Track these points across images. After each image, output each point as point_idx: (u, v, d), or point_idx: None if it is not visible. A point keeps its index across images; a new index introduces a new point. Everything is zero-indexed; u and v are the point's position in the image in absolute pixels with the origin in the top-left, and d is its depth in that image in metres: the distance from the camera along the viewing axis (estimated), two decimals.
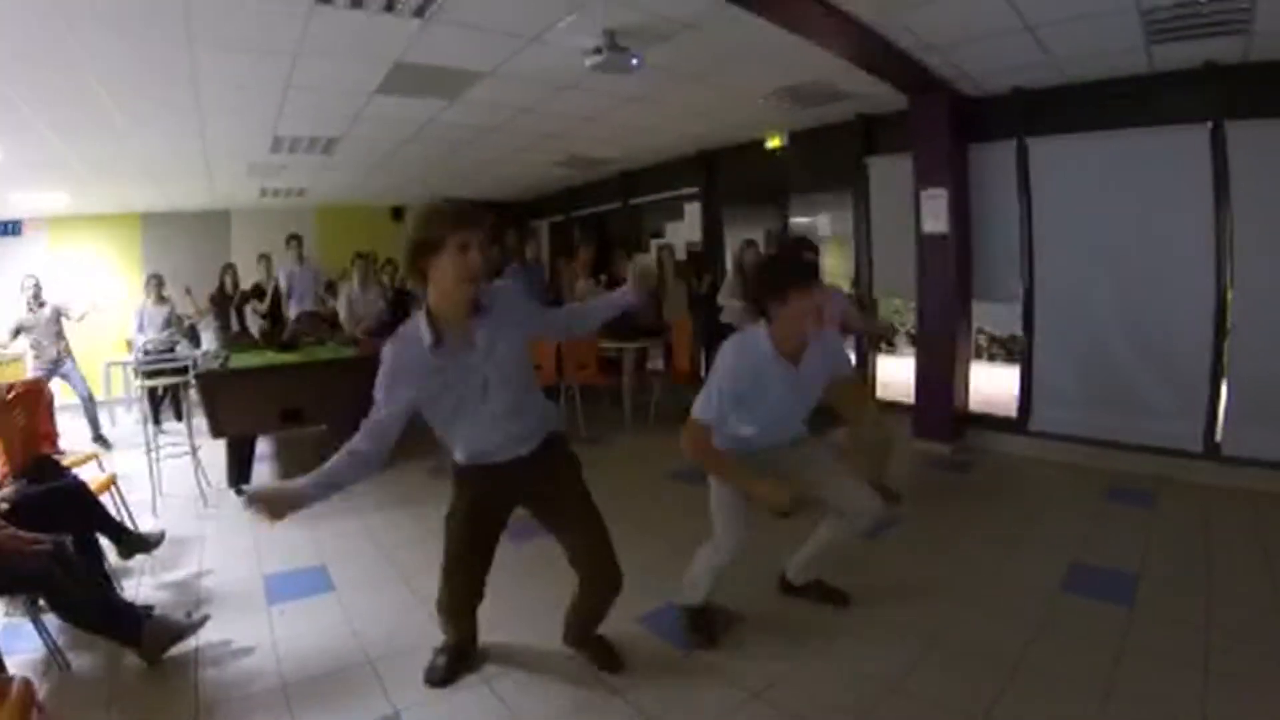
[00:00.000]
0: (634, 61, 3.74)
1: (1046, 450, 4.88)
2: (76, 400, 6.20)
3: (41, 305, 6.23)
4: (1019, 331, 5.26)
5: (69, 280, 7.57)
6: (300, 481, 1.99)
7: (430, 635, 2.56)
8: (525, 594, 2.93)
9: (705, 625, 2.64)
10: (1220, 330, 4.28)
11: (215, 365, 4.60)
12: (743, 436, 2.50)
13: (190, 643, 2.65)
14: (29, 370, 6.24)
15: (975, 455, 5.03)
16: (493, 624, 2.55)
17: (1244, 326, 4.22)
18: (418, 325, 2.06)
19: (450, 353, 2.05)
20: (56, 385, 5.54)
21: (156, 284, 6.89)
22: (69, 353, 6.31)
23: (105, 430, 6.36)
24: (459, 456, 2.25)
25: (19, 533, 2.53)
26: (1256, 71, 3.98)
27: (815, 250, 4.08)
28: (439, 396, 2.09)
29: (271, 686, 2.42)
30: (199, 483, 4.47)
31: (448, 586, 2.36)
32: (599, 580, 2.31)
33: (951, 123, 4.96)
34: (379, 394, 2.07)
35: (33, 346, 6.24)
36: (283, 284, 6.89)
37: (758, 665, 2.47)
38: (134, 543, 3.30)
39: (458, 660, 2.45)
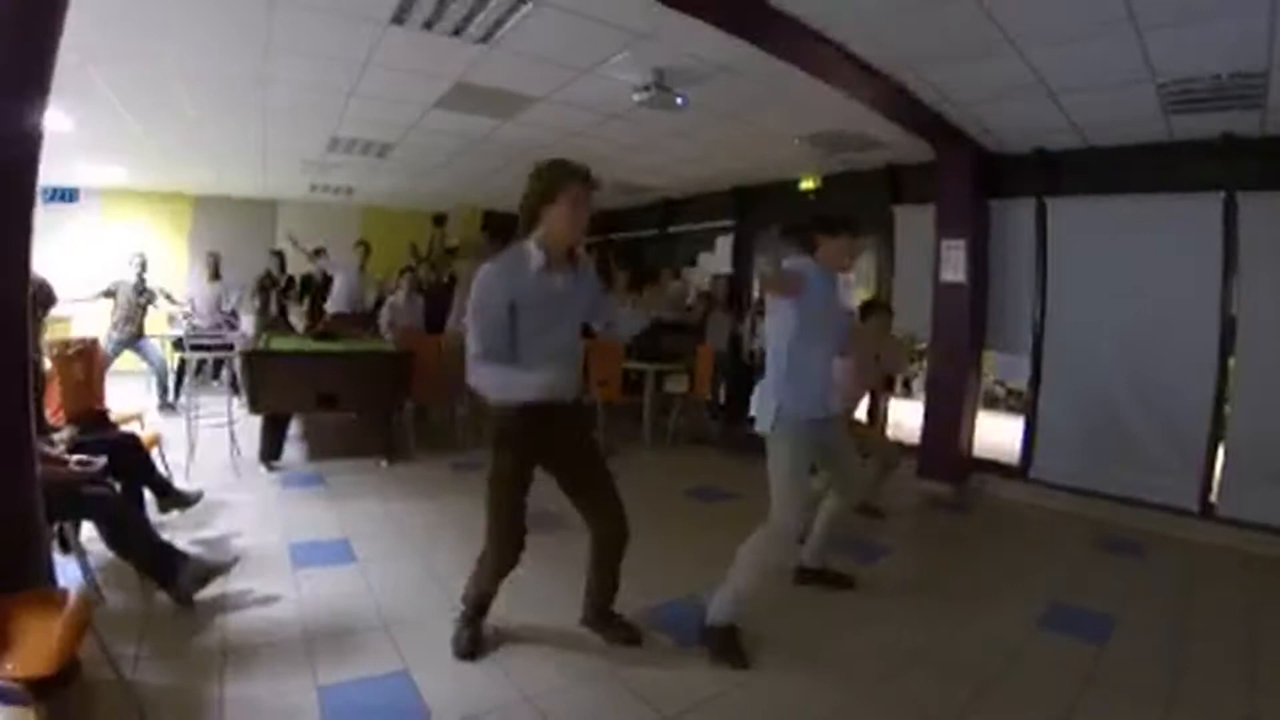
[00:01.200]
0: (679, 101, 4.01)
1: (1045, 498, 5.02)
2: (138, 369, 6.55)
3: (143, 281, 6.56)
4: None
5: (120, 249, 7.94)
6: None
7: (443, 608, 2.78)
8: (536, 580, 3.05)
9: (736, 647, 2.67)
10: (1220, 394, 4.40)
11: (259, 345, 4.87)
12: (806, 378, 2.77)
13: (218, 592, 2.86)
14: (103, 340, 6.48)
15: (976, 498, 5.18)
16: (504, 606, 2.71)
17: (1243, 392, 4.35)
18: (526, 250, 2.33)
19: (549, 280, 2.34)
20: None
21: (213, 264, 7.24)
22: (143, 332, 6.65)
23: (141, 400, 6.65)
24: (511, 395, 2.36)
25: (72, 461, 2.78)
26: (1272, 145, 4.13)
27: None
28: (530, 315, 2.32)
29: (293, 637, 2.62)
30: (232, 455, 4.72)
31: (495, 538, 2.50)
32: (611, 530, 2.58)
33: (974, 177, 5.19)
34: (476, 310, 2.29)
35: (118, 320, 6.51)
36: (338, 281, 7.24)
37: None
38: (175, 498, 3.55)
39: (478, 631, 2.62)
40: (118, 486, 3.08)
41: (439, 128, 5.46)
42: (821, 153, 5.67)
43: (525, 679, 2.43)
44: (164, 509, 3.55)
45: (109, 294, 6.51)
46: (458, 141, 5.90)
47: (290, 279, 7.85)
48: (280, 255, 7.96)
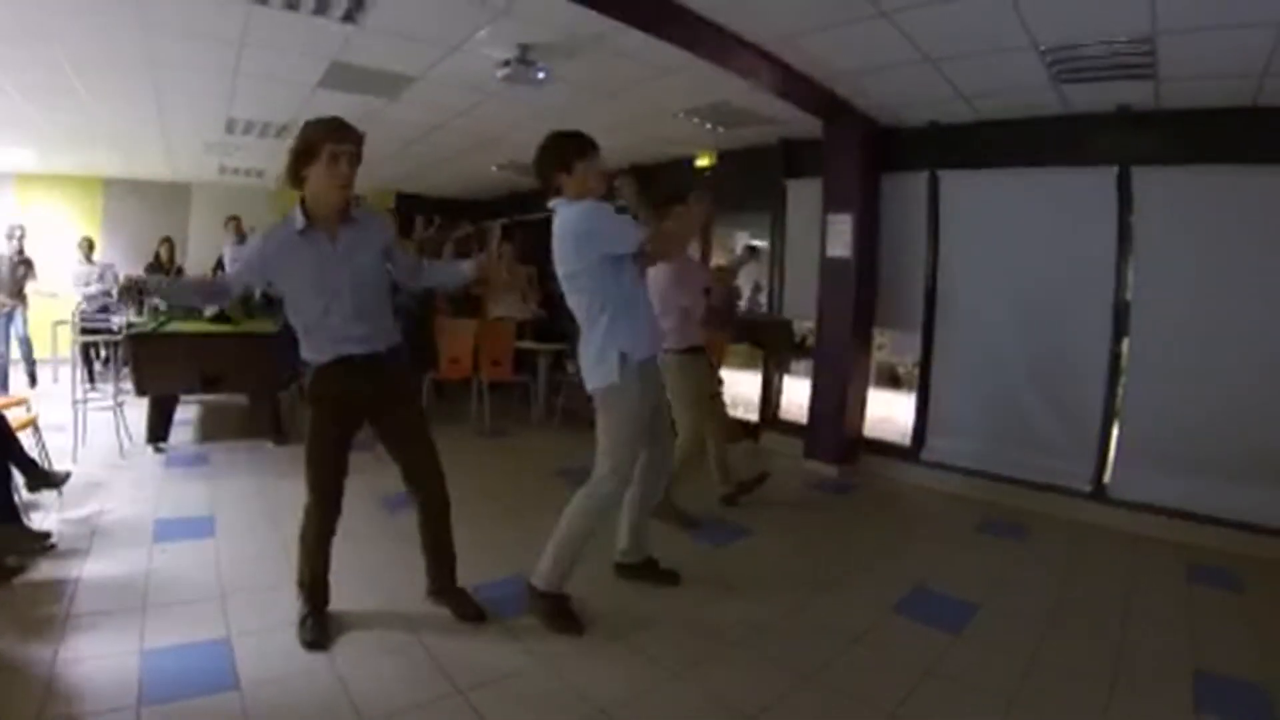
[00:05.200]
0: (540, 75, 4.05)
1: (936, 480, 4.97)
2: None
3: (22, 253, 6.72)
4: None
5: (35, 233, 7.86)
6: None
7: (283, 579, 2.82)
8: (390, 558, 3.18)
9: (567, 613, 2.69)
10: (1115, 372, 4.36)
11: (148, 328, 4.85)
12: (640, 316, 2.74)
13: (75, 570, 2.97)
14: None
15: (863, 480, 5.08)
16: (346, 583, 2.75)
17: (1137, 371, 4.31)
18: (292, 214, 2.38)
19: (314, 242, 2.38)
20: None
21: (87, 246, 7.40)
22: (24, 303, 6.69)
23: (46, 386, 6.71)
24: (310, 355, 2.48)
25: None
26: (1167, 119, 4.09)
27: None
28: (296, 279, 2.39)
29: (133, 608, 2.70)
30: (119, 436, 4.76)
31: (312, 493, 2.52)
32: (430, 496, 2.66)
33: (864, 151, 5.15)
34: (244, 256, 2.43)
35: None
36: (226, 261, 7.31)
37: (553, 639, 2.63)
38: (41, 478, 3.60)
39: (323, 619, 2.58)
40: None
41: (329, 108, 5.31)
42: (709, 128, 5.68)
43: (338, 649, 2.49)
44: (32, 488, 3.59)
45: None
46: (351, 121, 5.86)
47: (180, 268, 7.87)
48: (170, 242, 7.99)
